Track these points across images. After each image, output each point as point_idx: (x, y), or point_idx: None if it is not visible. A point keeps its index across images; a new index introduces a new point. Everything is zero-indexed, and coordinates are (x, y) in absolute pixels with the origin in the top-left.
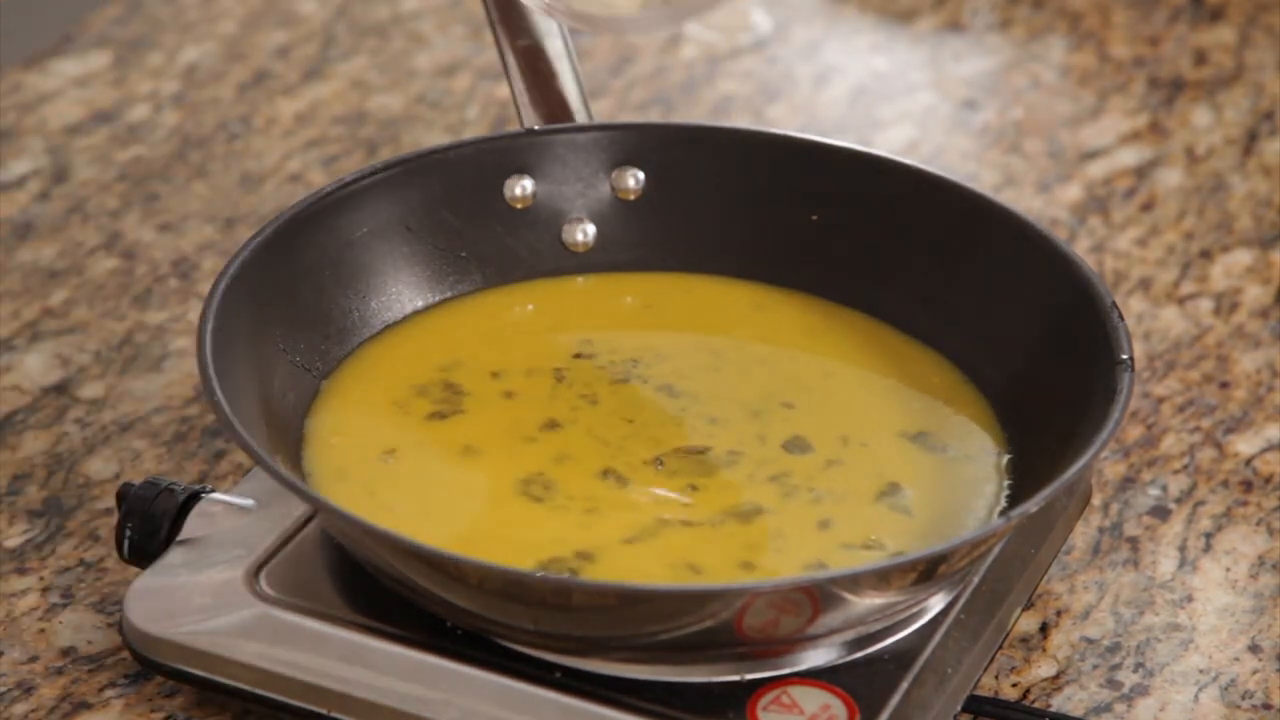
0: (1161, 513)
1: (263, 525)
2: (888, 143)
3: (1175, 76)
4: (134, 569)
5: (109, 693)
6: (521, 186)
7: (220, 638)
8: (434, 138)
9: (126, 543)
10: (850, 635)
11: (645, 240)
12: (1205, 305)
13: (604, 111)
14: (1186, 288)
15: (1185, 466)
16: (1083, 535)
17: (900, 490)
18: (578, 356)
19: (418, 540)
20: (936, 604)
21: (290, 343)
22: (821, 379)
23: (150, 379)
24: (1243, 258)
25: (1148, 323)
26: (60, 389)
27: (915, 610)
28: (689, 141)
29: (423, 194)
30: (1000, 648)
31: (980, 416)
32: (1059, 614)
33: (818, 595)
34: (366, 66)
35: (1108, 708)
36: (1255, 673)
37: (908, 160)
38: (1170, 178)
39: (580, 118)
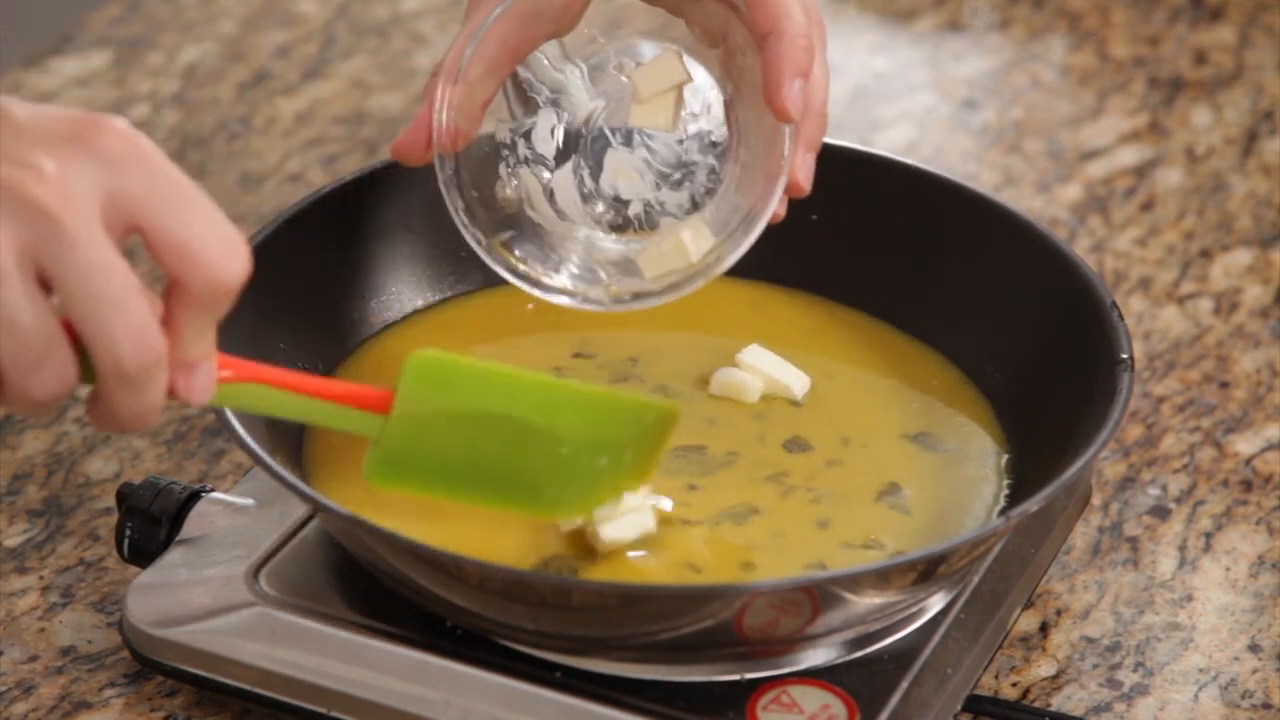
0: (1161, 512)
1: (263, 525)
2: (888, 143)
3: (1175, 76)
4: (134, 569)
5: (109, 692)
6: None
7: (220, 637)
8: None
9: (126, 542)
10: (850, 635)
11: None
12: (1205, 305)
13: None
14: (1186, 287)
15: (1185, 466)
16: (1083, 535)
17: (900, 490)
18: (577, 356)
19: (418, 540)
20: (936, 604)
21: (290, 342)
22: (822, 379)
23: None
24: (1243, 258)
25: (1148, 323)
26: None
27: (915, 610)
28: None
29: (423, 194)
30: (1000, 648)
31: (980, 416)
32: (1059, 614)
33: (818, 595)
34: (366, 66)
35: (1108, 707)
36: (1255, 672)
37: (908, 160)
38: (1170, 178)
39: None
